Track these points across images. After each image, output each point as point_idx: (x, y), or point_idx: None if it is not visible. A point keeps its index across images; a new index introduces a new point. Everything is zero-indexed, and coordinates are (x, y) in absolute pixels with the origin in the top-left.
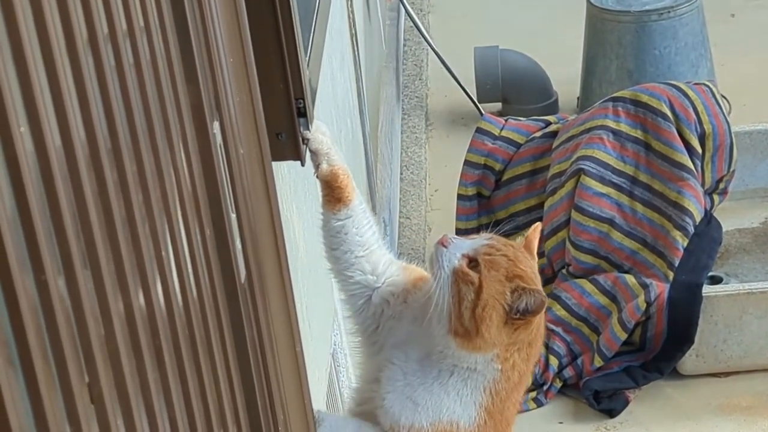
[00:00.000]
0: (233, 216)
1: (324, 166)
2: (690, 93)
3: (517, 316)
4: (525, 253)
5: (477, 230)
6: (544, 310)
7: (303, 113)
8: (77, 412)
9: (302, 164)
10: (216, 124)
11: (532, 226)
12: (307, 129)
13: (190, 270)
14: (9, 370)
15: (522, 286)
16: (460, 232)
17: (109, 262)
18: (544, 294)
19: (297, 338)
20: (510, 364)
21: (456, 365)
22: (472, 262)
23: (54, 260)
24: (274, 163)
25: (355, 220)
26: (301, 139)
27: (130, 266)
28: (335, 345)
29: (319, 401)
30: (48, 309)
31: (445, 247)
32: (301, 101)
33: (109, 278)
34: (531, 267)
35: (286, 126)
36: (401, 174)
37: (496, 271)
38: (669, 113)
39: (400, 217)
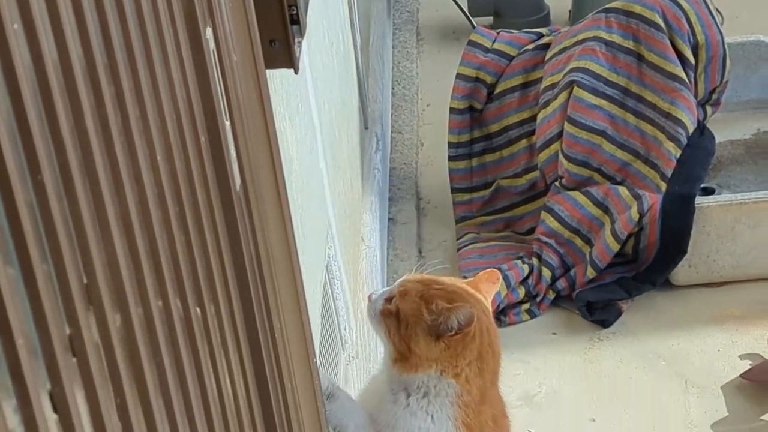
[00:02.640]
0: (227, 123)
1: None
2: (683, 4)
3: (452, 333)
4: (448, 281)
5: (470, 143)
6: (475, 321)
7: (296, 20)
8: (77, 316)
9: (296, 72)
10: (209, 30)
11: (487, 271)
12: (300, 37)
13: (185, 178)
14: (8, 270)
15: (444, 306)
16: (452, 145)
17: (106, 170)
18: (469, 307)
19: (293, 248)
20: (463, 378)
21: (407, 389)
22: (393, 299)
23: (51, 165)
24: (267, 72)
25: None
26: (294, 45)
27: (127, 175)
28: (329, 257)
29: (313, 313)
30: (45, 209)
31: (371, 301)
32: (294, 8)
33: (107, 185)
34: (450, 284)
35: (279, 33)
36: (393, 89)
37: (408, 295)
38: (662, 24)
39: (392, 132)
